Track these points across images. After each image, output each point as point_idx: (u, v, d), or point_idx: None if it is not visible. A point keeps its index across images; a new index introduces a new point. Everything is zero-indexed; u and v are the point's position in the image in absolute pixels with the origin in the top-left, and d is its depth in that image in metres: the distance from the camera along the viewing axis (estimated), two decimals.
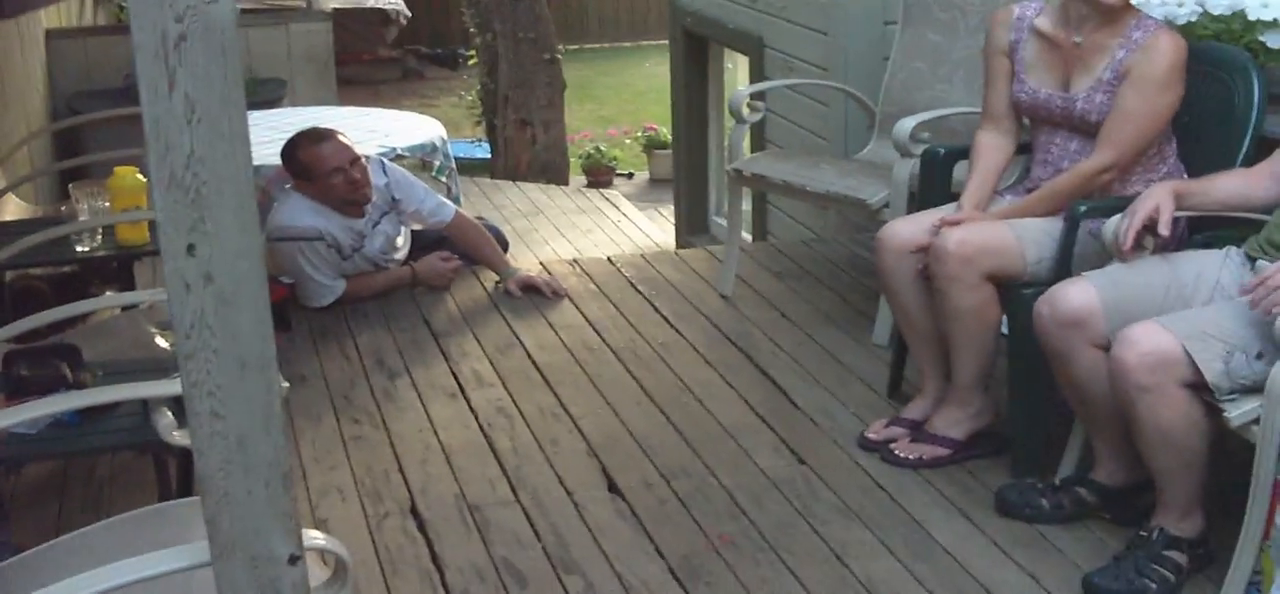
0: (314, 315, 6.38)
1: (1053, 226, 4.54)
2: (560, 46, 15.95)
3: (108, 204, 5.88)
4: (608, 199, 12.52)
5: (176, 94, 2.16)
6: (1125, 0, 4.57)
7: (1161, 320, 3.80)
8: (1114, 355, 3.78)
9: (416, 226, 6.93)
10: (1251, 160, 4.50)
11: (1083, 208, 4.47)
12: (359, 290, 6.54)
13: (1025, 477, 4.55)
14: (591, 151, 16.72)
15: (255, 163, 6.49)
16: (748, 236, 8.28)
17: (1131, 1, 4.65)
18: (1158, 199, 4.15)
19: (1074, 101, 4.66)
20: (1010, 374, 4.75)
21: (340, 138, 6.50)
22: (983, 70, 5.02)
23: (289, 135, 6.64)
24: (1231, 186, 4.34)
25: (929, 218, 4.79)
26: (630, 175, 16.89)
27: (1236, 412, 3.69)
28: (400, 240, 6.84)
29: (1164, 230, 4.12)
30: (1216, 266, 4.14)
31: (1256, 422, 3.61)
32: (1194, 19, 5.03)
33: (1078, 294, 4.09)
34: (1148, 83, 4.51)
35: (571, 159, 16.32)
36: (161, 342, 4.86)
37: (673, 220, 10.12)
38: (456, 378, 5.69)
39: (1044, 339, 4.18)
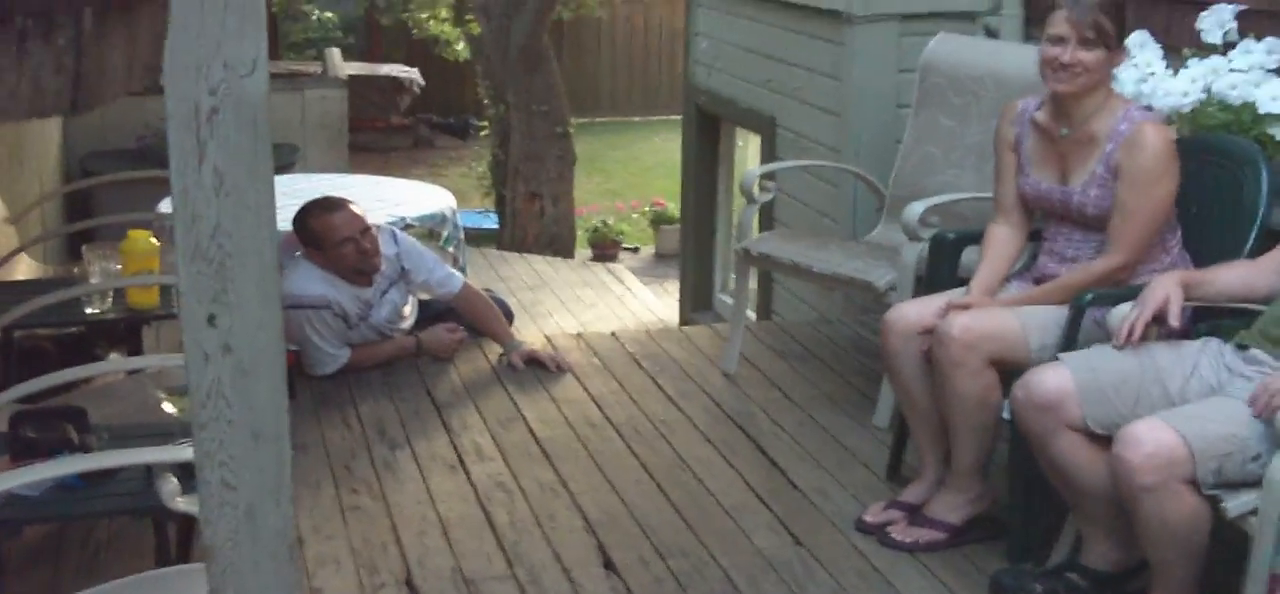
0: (317, 383, 6.38)
1: (1058, 314, 4.56)
2: (571, 120, 16.00)
3: (119, 267, 5.91)
4: (613, 273, 12.53)
5: (206, 166, 2.19)
6: (1087, 89, 4.63)
7: (1165, 417, 3.81)
8: (1117, 454, 3.79)
9: (424, 297, 6.95)
10: (1258, 251, 4.54)
11: (1088, 297, 4.49)
12: (364, 359, 6.55)
13: (1021, 562, 4.57)
14: (598, 225, 16.74)
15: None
16: (753, 315, 8.29)
17: (1118, 94, 4.71)
18: (1167, 290, 4.19)
19: (1071, 195, 4.71)
20: (1010, 460, 4.76)
21: (352, 207, 6.52)
22: (995, 164, 5.06)
23: (300, 202, 6.68)
24: (1235, 277, 4.38)
25: (936, 302, 4.82)
26: (636, 250, 16.90)
27: (1234, 503, 3.72)
28: (407, 310, 6.86)
29: (1174, 322, 4.16)
30: (1194, 354, 4.17)
31: (1254, 513, 3.63)
32: (1200, 107, 5.07)
33: (1052, 378, 4.13)
34: (1141, 178, 4.55)
35: (578, 232, 16.35)
36: (168, 406, 4.87)
37: (677, 296, 10.12)
38: (457, 450, 5.69)
39: (1020, 422, 4.24)
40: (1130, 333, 4.15)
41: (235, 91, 2.17)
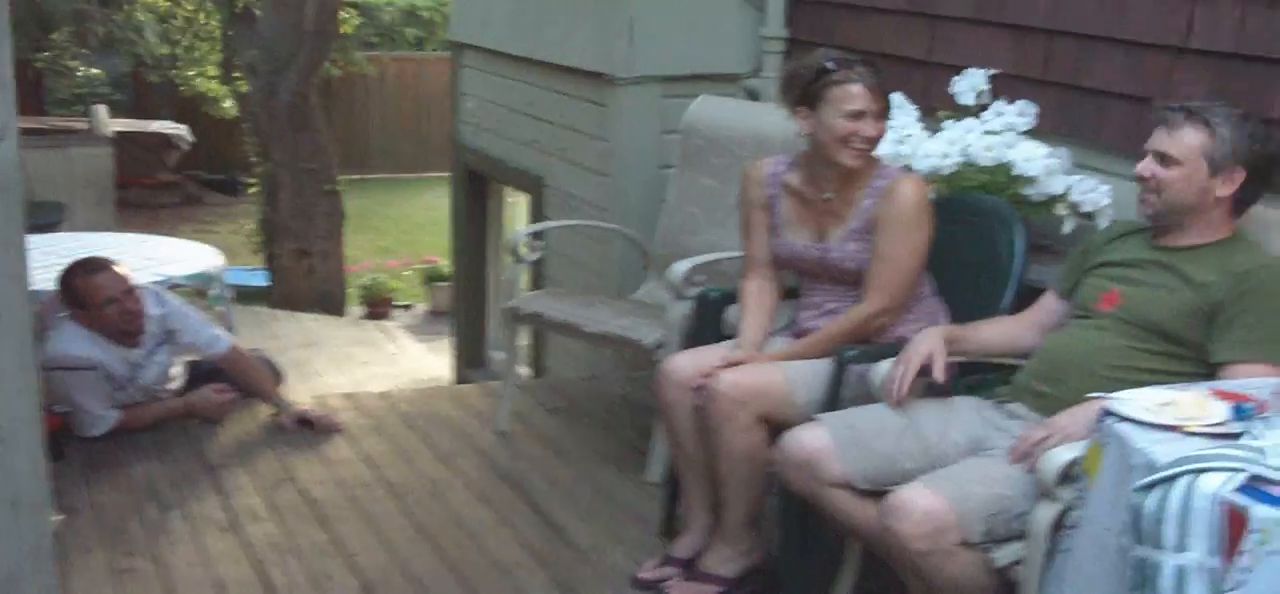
0: (87, 445, 6.31)
1: (823, 369, 4.66)
2: (341, 177, 15.94)
3: None
4: (385, 331, 12.52)
5: None
6: (867, 158, 4.75)
7: (930, 481, 3.90)
8: (886, 526, 3.86)
9: (192, 358, 6.91)
10: (1016, 308, 4.71)
11: (850, 353, 4.61)
12: (133, 421, 6.50)
13: None
14: (370, 282, 16.67)
15: (31, 289, 6.41)
16: (527, 371, 8.35)
17: (874, 155, 4.84)
18: (930, 345, 4.32)
19: (829, 251, 4.81)
20: (781, 512, 4.80)
21: (116, 268, 6.48)
22: (741, 222, 5.15)
23: (66, 261, 6.61)
24: (998, 332, 4.55)
25: (712, 354, 4.88)
26: (409, 307, 16.86)
27: (1001, 554, 3.82)
28: (175, 371, 6.82)
29: (938, 376, 4.28)
30: (953, 409, 4.31)
31: (1020, 563, 3.76)
32: (958, 170, 5.23)
33: (808, 437, 4.22)
34: (898, 225, 4.69)
35: (350, 289, 16.28)
36: None
37: (451, 354, 10.14)
38: (230, 512, 5.66)
39: (785, 480, 4.32)
40: (898, 390, 4.27)
41: None
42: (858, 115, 4.69)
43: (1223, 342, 3.92)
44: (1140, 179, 4.10)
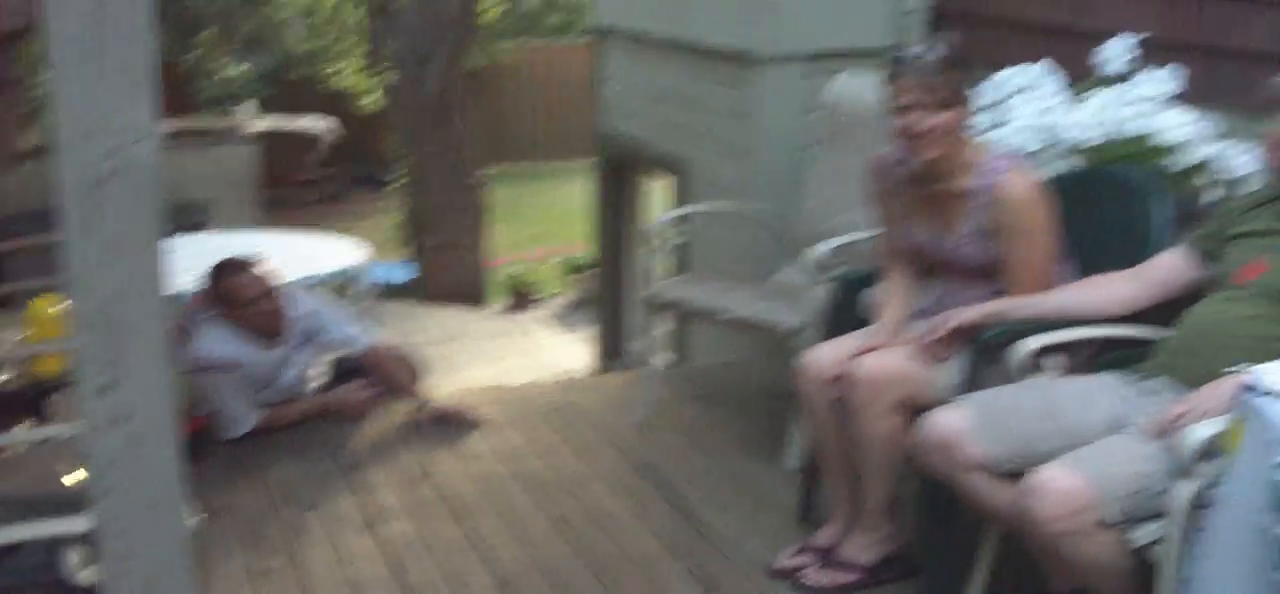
0: (227, 446, 6.33)
1: (963, 352, 4.56)
2: (485, 168, 15.97)
3: (23, 335, 5.83)
4: (528, 323, 12.52)
5: (99, 234, 2.14)
6: (947, 150, 4.64)
7: (1068, 462, 3.79)
8: (1025, 506, 3.76)
9: (334, 355, 6.90)
10: None
11: (988, 334, 4.49)
12: (274, 420, 6.50)
13: None
14: (514, 274, 16.70)
15: (179, 290, 6.44)
16: (669, 359, 8.28)
17: (973, 143, 4.73)
18: (962, 318, 4.43)
19: (947, 248, 4.76)
20: (918, 499, 4.74)
21: (259, 267, 6.49)
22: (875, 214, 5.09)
23: (211, 261, 6.63)
24: (1078, 296, 4.51)
25: (848, 345, 4.81)
26: (552, 297, 16.88)
27: (1139, 533, 3.71)
28: (316, 370, 6.81)
29: (939, 337, 4.43)
30: (1093, 388, 4.18)
31: (1159, 542, 3.63)
32: (1104, 142, 5.10)
33: (946, 419, 4.13)
34: (1018, 229, 4.60)
35: (493, 282, 16.31)
36: (70, 477, 4.81)
37: (593, 344, 10.10)
38: (367, 511, 5.63)
39: (923, 463, 4.23)
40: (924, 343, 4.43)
41: (127, 157, 2.13)
42: (904, 110, 4.62)
43: None
44: None
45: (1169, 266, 4.40)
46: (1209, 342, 3.99)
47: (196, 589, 4.26)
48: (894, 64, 4.69)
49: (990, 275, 4.69)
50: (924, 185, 4.77)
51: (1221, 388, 3.64)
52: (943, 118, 4.58)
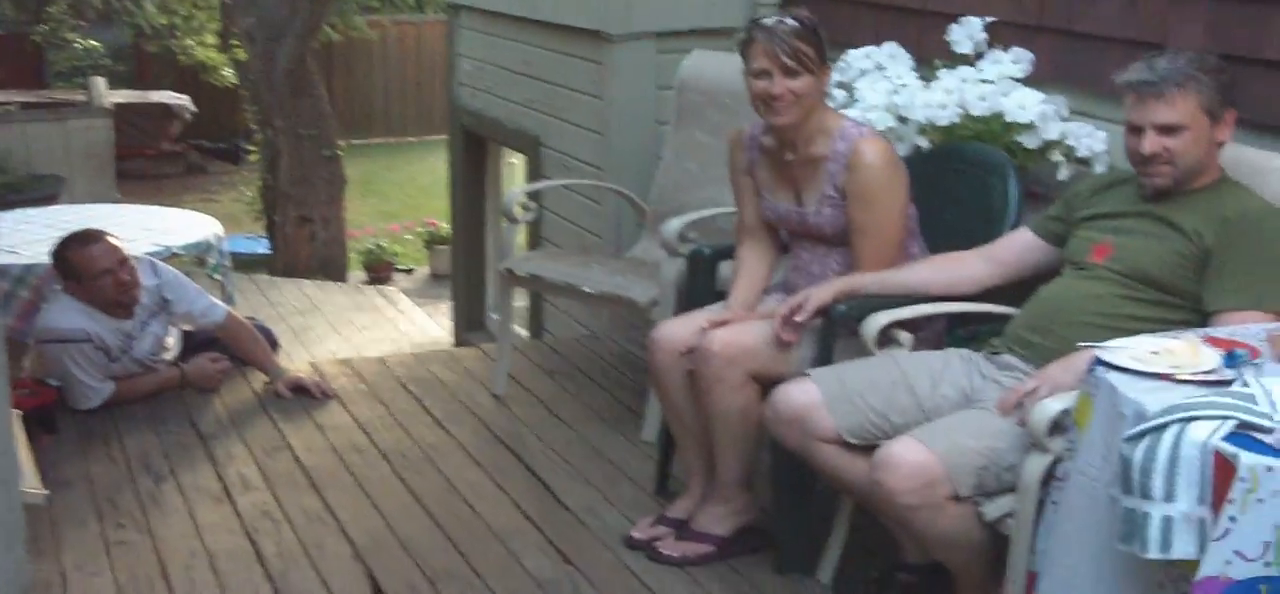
0: (81, 418, 6.29)
1: (814, 326, 4.62)
2: (343, 142, 15.90)
3: None
4: (386, 296, 12.49)
5: None
6: (803, 116, 4.70)
7: (918, 435, 3.87)
8: (876, 480, 3.84)
9: (187, 327, 6.88)
10: None
11: (840, 309, 4.56)
12: (127, 392, 6.47)
13: (789, 572, 4.66)
14: (372, 247, 16.65)
15: (29, 262, 6.46)
16: (524, 333, 8.32)
17: (831, 111, 4.83)
18: (819, 298, 4.50)
19: (806, 215, 4.79)
20: (772, 471, 4.80)
21: (110, 239, 6.45)
22: (733, 191, 5.14)
23: (64, 234, 6.58)
24: (928, 272, 4.61)
25: (700, 318, 4.85)
26: (410, 271, 16.86)
27: (991, 507, 3.80)
28: (170, 341, 6.78)
29: (799, 319, 4.48)
30: (943, 361, 4.28)
31: (1010, 516, 3.73)
32: (955, 121, 5.19)
33: (798, 392, 4.21)
34: (869, 196, 4.65)
35: (352, 254, 16.25)
36: None
37: (450, 317, 10.11)
38: (223, 481, 5.63)
39: (775, 436, 4.32)
40: (777, 324, 4.53)
41: None
42: (762, 74, 4.68)
43: (1214, 289, 3.89)
44: (1149, 158, 4.04)
45: (1020, 246, 4.51)
46: (1059, 319, 4.09)
47: (29, 563, 4.27)
48: (750, 30, 4.76)
49: (847, 242, 4.77)
50: (783, 153, 4.83)
51: (1073, 363, 3.74)
52: (797, 82, 4.63)
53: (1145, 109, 4.01)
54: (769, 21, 4.72)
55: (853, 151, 4.65)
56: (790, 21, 4.67)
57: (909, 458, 3.79)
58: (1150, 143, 4.01)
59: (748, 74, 4.74)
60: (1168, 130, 3.99)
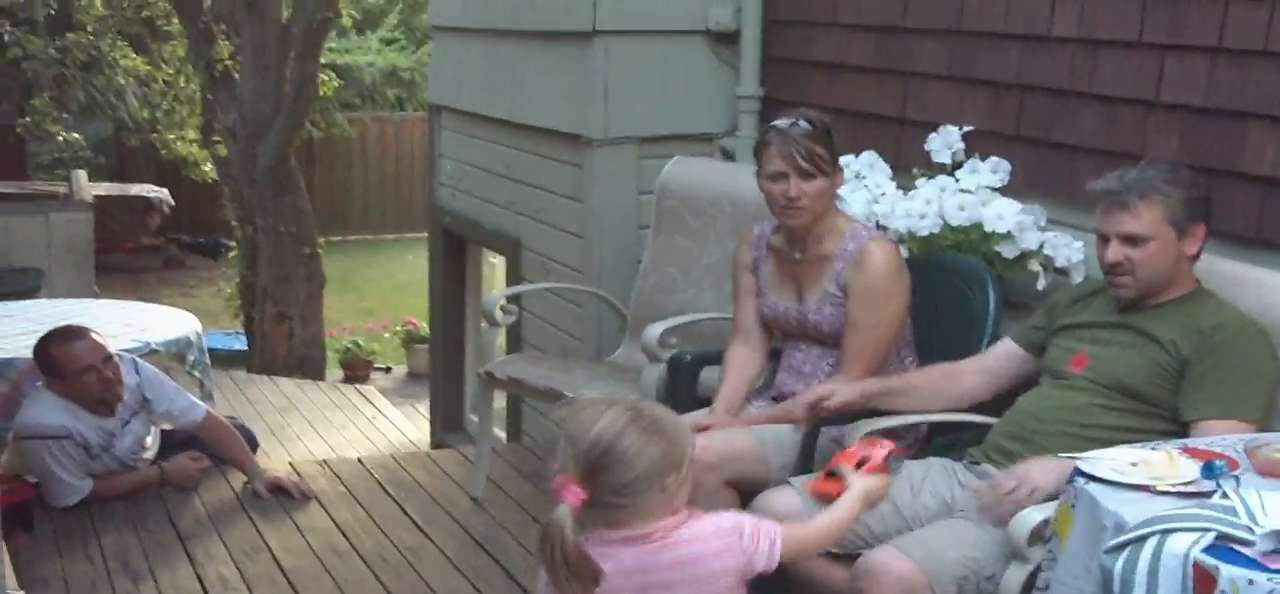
0: (58, 515, 6.26)
1: (797, 433, 4.64)
2: (322, 238, 15.92)
3: None
4: (364, 394, 12.46)
5: None
6: (816, 217, 4.76)
7: (899, 545, 3.88)
8: (858, 589, 3.85)
9: (167, 426, 6.88)
10: None
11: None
12: (106, 490, 6.45)
13: None
14: (350, 345, 16.63)
15: (8, 356, 6.41)
16: (503, 436, 8.31)
17: (843, 213, 4.86)
18: (845, 396, 4.45)
19: (807, 313, 4.82)
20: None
21: (93, 336, 6.44)
22: (732, 287, 5.15)
23: (44, 328, 6.59)
24: (925, 379, 4.61)
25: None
26: (388, 369, 16.84)
27: None
28: (149, 440, 6.77)
29: (828, 405, 4.44)
30: (924, 471, 4.30)
31: None
32: (935, 231, 5.23)
33: (780, 500, 4.22)
34: (870, 296, 4.69)
35: (330, 352, 16.23)
36: None
37: (429, 418, 10.09)
38: (201, 582, 5.61)
39: None
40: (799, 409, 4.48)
41: None
42: (776, 177, 4.74)
43: (1191, 399, 3.93)
44: (1112, 267, 4.09)
45: (1005, 356, 4.54)
46: (1037, 429, 4.12)
47: None
48: (766, 133, 4.82)
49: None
50: (791, 252, 4.87)
51: (1050, 466, 3.76)
52: (812, 185, 4.70)
53: (1111, 219, 4.08)
54: (783, 124, 4.78)
55: (861, 251, 4.72)
56: (804, 124, 4.73)
57: (892, 567, 3.79)
58: (1113, 252, 4.08)
59: (762, 177, 4.79)
60: (1131, 240, 4.05)
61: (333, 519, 6.32)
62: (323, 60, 16.39)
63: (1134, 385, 4.03)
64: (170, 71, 19.97)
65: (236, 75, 15.25)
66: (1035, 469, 3.82)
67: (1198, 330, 3.97)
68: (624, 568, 3.09)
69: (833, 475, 3.72)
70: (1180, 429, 3.92)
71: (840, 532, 3.59)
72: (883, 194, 5.48)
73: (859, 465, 3.63)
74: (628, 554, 3.09)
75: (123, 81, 20.72)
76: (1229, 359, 3.92)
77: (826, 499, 3.62)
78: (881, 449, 3.67)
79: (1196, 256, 4.11)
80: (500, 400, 7.87)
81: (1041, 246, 5.11)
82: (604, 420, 3.07)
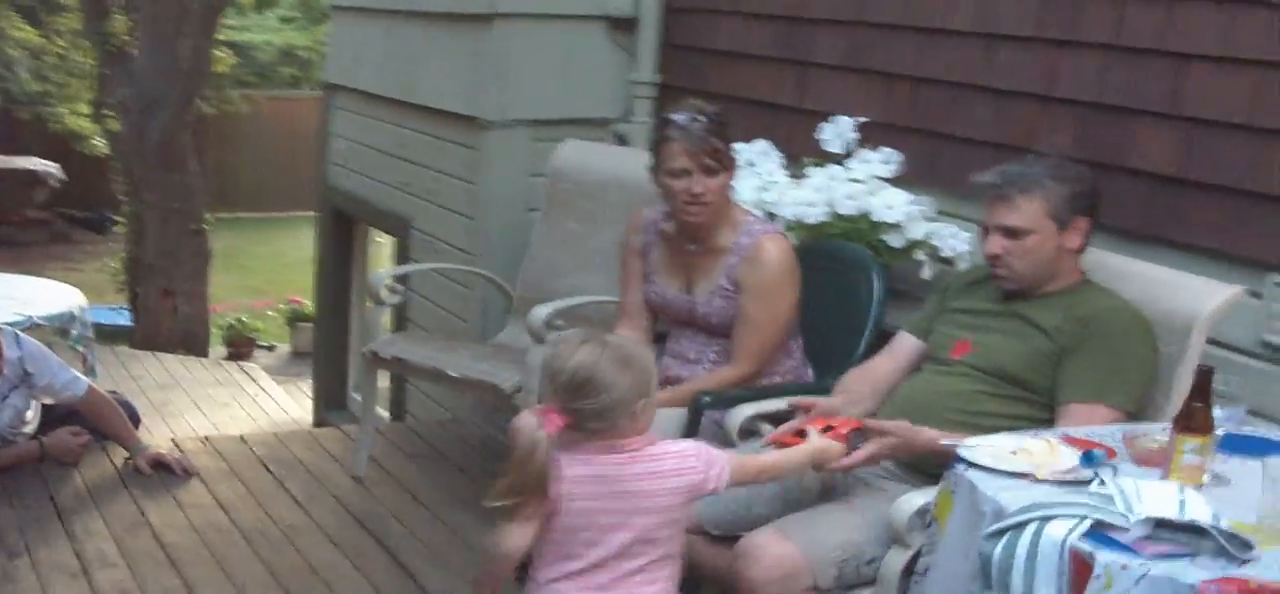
0: None
1: (679, 416, 4.65)
2: (211, 215, 15.82)
3: None
4: (247, 372, 12.40)
5: None
6: (704, 214, 4.76)
7: (780, 526, 3.90)
8: (738, 570, 3.85)
9: (48, 400, 6.79)
10: (870, 352, 4.74)
11: (705, 399, 4.60)
12: None
13: None
14: (234, 322, 16.53)
15: None
16: (386, 415, 8.28)
17: (737, 204, 4.86)
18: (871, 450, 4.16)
19: (696, 304, 4.83)
20: None
21: None
22: (620, 271, 5.15)
23: None
24: (868, 387, 4.49)
25: None
26: (272, 348, 16.75)
27: None
28: (30, 414, 6.68)
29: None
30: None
31: None
32: (824, 219, 5.25)
33: None
34: (762, 291, 4.71)
35: (214, 329, 16.14)
36: None
37: (312, 396, 10.04)
38: (80, 557, 5.54)
39: None
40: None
41: None
42: (679, 173, 4.75)
43: (1060, 382, 3.99)
44: (992, 258, 4.13)
45: (909, 348, 4.53)
46: (921, 414, 4.11)
47: None
48: (664, 128, 4.81)
49: (727, 334, 4.81)
50: (684, 243, 4.88)
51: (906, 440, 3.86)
52: (715, 181, 4.72)
53: (992, 211, 4.14)
54: (681, 119, 4.77)
55: (755, 246, 4.74)
56: (703, 119, 4.73)
57: (770, 550, 3.81)
58: (992, 244, 4.14)
59: (662, 172, 4.80)
60: (1011, 233, 4.08)
61: (214, 496, 6.26)
62: (219, 37, 16.29)
63: (1016, 372, 4.07)
64: (63, 44, 19.79)
65: (132, 50, 15.12)
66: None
67: (1078, 318, 4.01)
68: (600, 474, 3.48)
69: (800, 435, 3.93)
70: None
71: (783, 471, 3.92)
72: (773, 182, 5.50)
73: (825, 431, 3.88)
74: (607, 462, 3.48)
75: (13, 52, 20.51)
76: (1104, 345, 3.97)
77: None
78: (846, 426, 3.91)
79: (1081, 249, 4.15)
80: (384, 380, 7.84)
81: (928, 237, 5.15)
82: (580, 354, 3.45)
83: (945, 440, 3.64)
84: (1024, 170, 4.12)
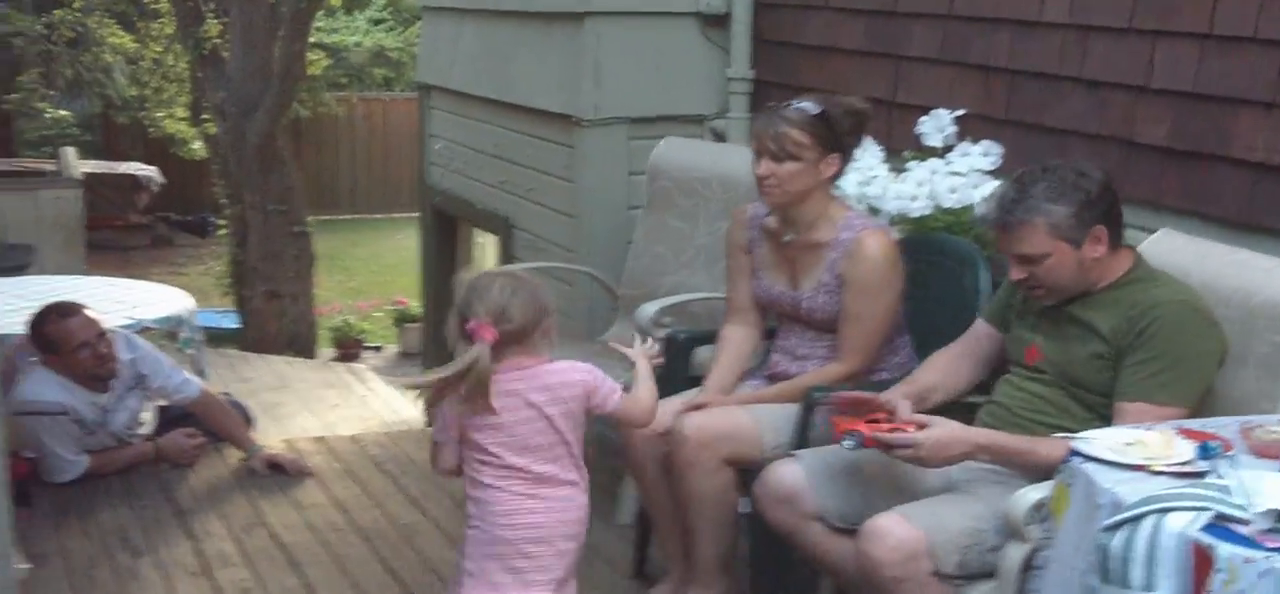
0: (55, 491, 6.30)
1: (791, 412, 4.68)
2: (310, 218, 15.93)
3: None
4: (355, 373, 12.48)
5: None
6: (795, 199, 4.76)
7: (904, 511, 3.91)
8: (862, 549, 3.87)
9: (162, 402, 6.90)
10: None
11: (818, 393, 4.62)
12: (102, 466, 6.49)
13: None
14: (340, 324, 16.65)
15: (1, 332, 6.36)
16: None
17: (838, 199, 4.87)
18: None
19: (800, 300, 4.84)
20: (751, 554, 4.84)
21: (88, 312, 6.48)
22: (727, 267, 5.19)
23: (35, 304, 6.62)
24: (934, 374, 4.53)
25: (675, 403, 4.84)
26: (379, 348, 16.83)
27: (972, 592, 3.86)
28: (145, 416, 6.81)
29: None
30: None
31: None
32: (927, 213, 5.26)
33: (786, 472, 4.26)
34: (866, 287, 4.70)
35: (320, 331, 16.26)
36: None
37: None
38: (201, 557, 5.65)
39: (765, 517, 4.33)
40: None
41: None
42: (755, 157, 4.78)
43: (1118, 383, 3.95)
44: (1020, 283, 4.12)
45: (985, 336, 4.51)
46: (1015, 420, 4.14)
47: None
48: (761, 115, 4.85)
49: (835, 330, 4.82)
50: (783, 233, 4.89)
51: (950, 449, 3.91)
52: (783, 168, 4.70)
53: (1005, 241, 4.09)
54: (773, 106, 4.80)
55: (857, 241, 4.72)
56: (792, 110, 4.73)
57: (895, 531, 3.84)
58: (1015, 272, 4.09)
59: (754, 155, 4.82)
60: (1026, 260, 4.05)
61: (330, 495, 6.36)
62: (311, 39, 16.40)
63: (1082, 378, 4.05)
64: (158, 49, 19.96)
65: (225, 54, 15.26)
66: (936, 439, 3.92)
67: (1128, 317, 3.96)
68: (518, 388, 4.10)
69: (872, 421, 4.07)
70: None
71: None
72: (874, 176, 5.50)
73: (870, 422, 4.06)
74: (519, 378, 4.09)
75: (110, 59, 20.72)
76: (1152, 345, 3.90)
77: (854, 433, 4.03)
78: (890, 426, 4.06)
79: (1111, 251, 4.06)
80: None
81: None
82: (499, 281, 4.15)
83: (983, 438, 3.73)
84: (1019, 197, 4.03)
